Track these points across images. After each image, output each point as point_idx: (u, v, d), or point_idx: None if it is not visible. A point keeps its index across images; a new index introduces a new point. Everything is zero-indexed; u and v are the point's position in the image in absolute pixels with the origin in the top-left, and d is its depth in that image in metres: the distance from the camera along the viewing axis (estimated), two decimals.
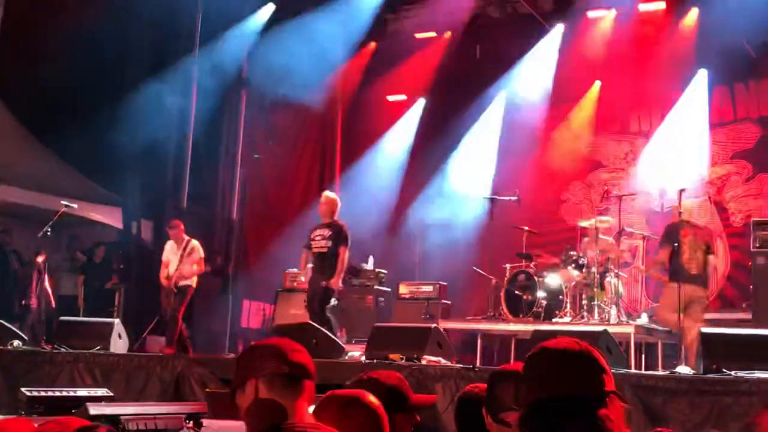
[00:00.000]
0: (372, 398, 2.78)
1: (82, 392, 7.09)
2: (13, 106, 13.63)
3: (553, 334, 8.34)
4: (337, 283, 10.02)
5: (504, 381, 2.93)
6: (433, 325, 8.66)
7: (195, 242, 11.27)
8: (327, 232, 10.10)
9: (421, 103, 15.88)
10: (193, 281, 11.12)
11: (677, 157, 13.60)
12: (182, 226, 11.37)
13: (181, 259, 11.07)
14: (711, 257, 9.75)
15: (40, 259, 12.21)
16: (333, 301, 10.08)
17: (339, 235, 10.04)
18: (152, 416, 5.28)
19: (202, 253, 11.25)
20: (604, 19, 14.03)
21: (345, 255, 10.04)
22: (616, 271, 10.85)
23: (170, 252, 11.21)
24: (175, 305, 10.88)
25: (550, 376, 2.18)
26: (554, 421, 2.11)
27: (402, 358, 7.76)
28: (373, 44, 15.61)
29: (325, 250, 10.03)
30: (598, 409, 2.10)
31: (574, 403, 2.11)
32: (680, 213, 9.68)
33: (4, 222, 12.74)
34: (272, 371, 2.52)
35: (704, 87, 13.71)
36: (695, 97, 13.75)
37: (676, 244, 9.51)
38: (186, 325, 11.14)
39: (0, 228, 12.60)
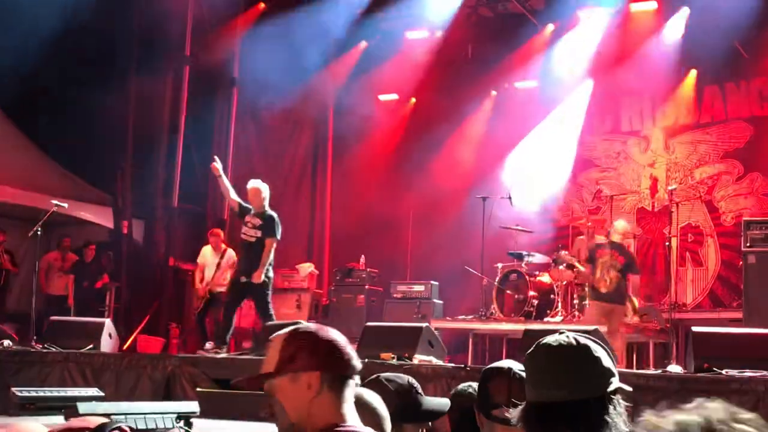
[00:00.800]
0: (368, 397, 2.74)
1: (72, 392, 7.07)
2: (4, 104, 13.58)
3: (545, 333, 8.34)
4: (258, 277, 9.59)
5: (495, 378, 2.91)
6: (425, 325, 8.65)
7: (231, 252, 11.57)
8: (258, 222, 9.79)
9: (412, 102, 15.87)
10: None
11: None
12: (222, 236, 11.84)
13: (217, 267, 11.47)
14: (634, 276, 10.03)
15: None
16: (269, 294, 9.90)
17: (267, 227, 9.76)
18: (143, 415, 5.26)
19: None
20: (595, 18, 14.04)
21: (272, 247, 9.74)
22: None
23: (207, 258, 11.66)
24: (212, 311, 11.38)
25: (548, 376, 2.16)
26: (553, 424, 2.10)
27: (393, 358, 7.75)
28: (363, 43, 15.61)
29: (253, 239, 9.75)
30: (598, 413, 2.09)
31: (574, 407, 2.09)
32: (608, 233, 10.24)
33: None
34: (340, 371, 2.34)
35: (690, 87, 13.78)
36: (683, 97, 13.82)
37: (592, 264, 10.04)
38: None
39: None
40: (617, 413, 2.11)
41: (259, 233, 9.73)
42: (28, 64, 12.49)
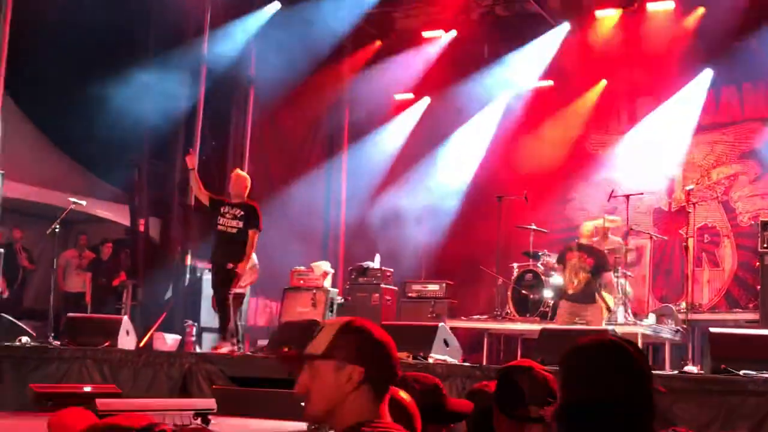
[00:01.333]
0: (404, 394, 2.75)
1: (90, 388, 7.12)
2: (21, 103, 13.67)
3: (560, 333, 8.36)
4: (243, 268, 9.58)
5: (518, 377, 2.91)
6: (440, 324, 8.67)
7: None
8: (238, 212, 9.61)
9: (426, 101, 15.87)
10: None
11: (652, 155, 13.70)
12: None
13: None
14: (606, 274, 10.43)
15: None
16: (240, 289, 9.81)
17: (251, 218, 9.59)
18: (160, 412, 5.29)
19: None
20: (611, 17, 14.01)
21: (255, 239, 9.63)
22: (624, 271, 10.85)
23: None
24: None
25: (584, 377, 2.17)
26: (588, 424, 2.10)
27: (408, 357, 7.77)
28: (378, 42, 15.65)
29: (234, 231, 9.56)
30: (632, 414, 2.10)
31: (608, 408, 2.10)
32: (579, 236, 10.77)
33: (13, 219, 12.76)
34: (383, 373, 2.35)
35: (704, 87, 13.71)
36: (690, 96, 13.77)
37: (563, 267, 10.59)
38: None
39: (8, 225, 12.62)
40: (650, 415, 2.12)
41: (240, 224, 9.55)
42: (43, 61, 12.60)
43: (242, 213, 9.59)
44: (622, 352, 2.19)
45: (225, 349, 9.46)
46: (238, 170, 10.07)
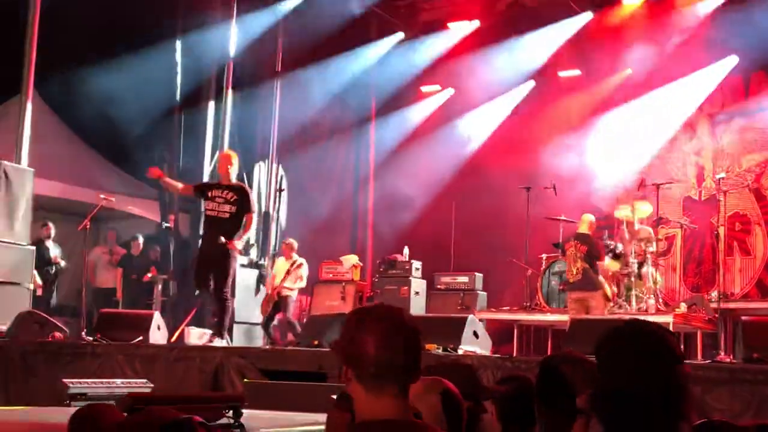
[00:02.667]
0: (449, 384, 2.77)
1: (122, 383, 7.18)
2: (52, 102, 13.80)
3: (591, 324, 8.31)
4: (235, 244, 9.17)
5: (559, 367, 2.88)
6: (470, 315, 8.65)
7: (301, 260, 12.01)
8: (230, 195, 9.23)
9: (452, 92, 15.83)
10: (293, 293, 11.97)
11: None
12: (294, 245, 12.15)
13: (287, 273, 11.85)
14: (601, 262, 10.65)
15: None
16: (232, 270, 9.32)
17: (245, 200, 9.25)
18: (191, 406, 5.32)
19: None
20: (636, 4, 13.92)
21: (252, 221, 9.41)
22: (654, 260, 10.78)
23: (279, 266, 12.22)
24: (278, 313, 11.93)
25: (620, 364, 2.17)
26: (624, 411, 2.10)
27: (438, 348, 7.77)
28: (401, 34, 15.67)
29: (227, 215, 9.21)
30: (668, 401, 2.09)
31: (644, 394, 2.10)
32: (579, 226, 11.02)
33: (44, 216, 12.89)
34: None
35: (722, 73, 13.59)
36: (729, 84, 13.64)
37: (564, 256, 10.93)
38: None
39: (40, 222, 12.75)
40: (685, 400, 2.12)
41: (234, 208, 9.19)
42: (72, 59, 12.72)
43: (235, 197, 9.23)
44: (655, 337, 2.18)
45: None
46: (226, 149, 9.77)
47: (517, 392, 3.18)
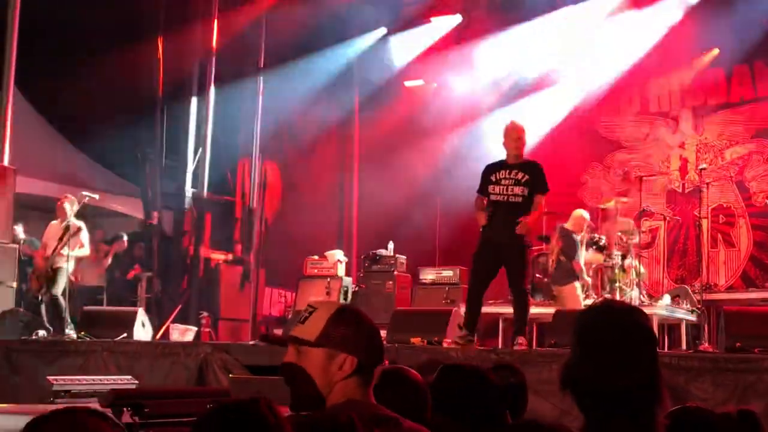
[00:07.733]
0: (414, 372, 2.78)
1: (107, 380, 7.16)
2: (34, 99, 13.73)
3: (574, 316, 8.31)
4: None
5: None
6: (454, 309, 8.66)
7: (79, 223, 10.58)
8: (521, 176, 8.09)
9: (435, 86, 15.81)
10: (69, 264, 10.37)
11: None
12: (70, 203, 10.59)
13: None
14: (572, 260, 10.46)
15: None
16: None
17: (538, 179, 8.14)
18: (175, 401, 5.30)
19: None
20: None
21: (543, 202, 8.32)
22: (637, 251, 10.82)
23: None
24: None
25: (598, 346, 2.19)
26: (601, 394, 2.11)
27: (423, 342, 7.78)
28: (383, 30, 15.65)
29: (519, 199, 8.05)
30: (645, 387, 2.10)
31: (620, 375, 2.11)
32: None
33: (25, 214, 12.81)
34: (374, 360, 2.36)
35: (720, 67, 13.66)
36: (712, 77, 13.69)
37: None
38: None
39: (23, 222, 12.66)
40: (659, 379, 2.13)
41: (526, 190, 8.09)
42: (53, 55, 12.66)
43: (527, 177, 7.98)
44: (630, 316, 2.19)
45: None
46: (513, 120, 8.35)
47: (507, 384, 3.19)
